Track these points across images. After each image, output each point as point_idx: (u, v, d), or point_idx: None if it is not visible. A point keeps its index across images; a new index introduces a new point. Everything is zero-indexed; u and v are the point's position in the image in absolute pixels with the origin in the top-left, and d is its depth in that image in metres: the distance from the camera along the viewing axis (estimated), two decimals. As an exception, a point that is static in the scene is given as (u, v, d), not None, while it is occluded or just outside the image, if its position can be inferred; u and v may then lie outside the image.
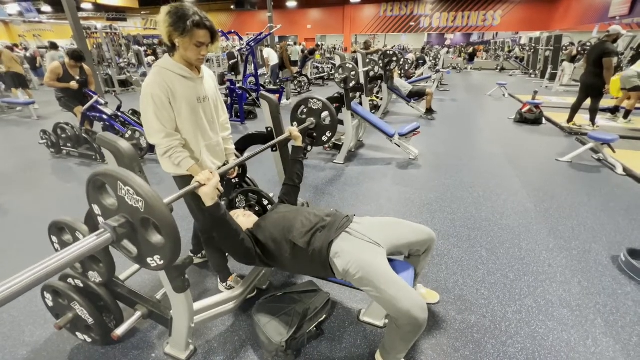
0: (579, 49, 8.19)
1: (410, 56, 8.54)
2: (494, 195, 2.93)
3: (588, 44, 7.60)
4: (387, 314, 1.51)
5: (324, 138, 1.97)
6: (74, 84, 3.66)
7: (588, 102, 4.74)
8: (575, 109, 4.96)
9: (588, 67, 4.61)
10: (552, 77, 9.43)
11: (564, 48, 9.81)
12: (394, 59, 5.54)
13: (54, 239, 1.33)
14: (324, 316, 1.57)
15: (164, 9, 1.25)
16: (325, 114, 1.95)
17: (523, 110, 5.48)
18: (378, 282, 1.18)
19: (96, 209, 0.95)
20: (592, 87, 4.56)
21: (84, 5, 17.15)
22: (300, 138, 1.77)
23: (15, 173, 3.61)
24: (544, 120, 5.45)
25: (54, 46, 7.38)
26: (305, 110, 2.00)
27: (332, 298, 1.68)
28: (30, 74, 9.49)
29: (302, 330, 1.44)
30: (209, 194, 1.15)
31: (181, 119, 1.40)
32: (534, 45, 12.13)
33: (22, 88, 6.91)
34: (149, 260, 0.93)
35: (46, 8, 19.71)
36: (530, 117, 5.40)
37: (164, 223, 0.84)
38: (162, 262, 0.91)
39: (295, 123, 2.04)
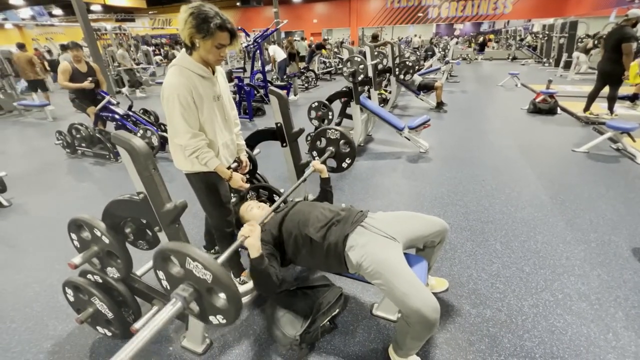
0: (595, 42, 7.91)
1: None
2: (508, 188, 2.87)
3: (603, 35, 7.32)
4: (401, 308, 1.51)
5: (344, 165, 2.07)
6: (87, 84, 3.72)
7: (606, 90, 4.58)
8: (592, 97, 4.80)
9: (606, 53, 4.44)
10: (567, 66, 9.13)
11: (580, 40, 9.48)
12: (409, 64, 5.46)
13: (73, 236, 1.36)
14: (337, 310, 1.57)
15: (186, 9, 1.23)
16: (342, 142, 2.03)
17: (537, 100, 5.33)
18: (390, 277, 1.17)
19: (160, 274, 1.04)
20: (611, 74, 4.40)
21: (93, 7, 17.41)
22: (325, 170, 1.79)
23: (34, 174, 3.72)
24: (558, 110, 5.29)
25: (65, 48, 7.53)
26: (324, 141, 2.09)
27: (344, 292, 1.69)
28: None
29: (316, 324, 1.45)
30: (254, 245, 1.19)
31: (203, 119, 1.40)
32: (547, 32, 11.75)
33: (41, 91, 7.09)
34: (211, 318, 1.01)
35: (57, 11, 20.09)
36: (545, 107, 5.25)
37: (231, 293, 0.93)
38: (224, 321, 0.99)
39: (315, 152, 2.11)
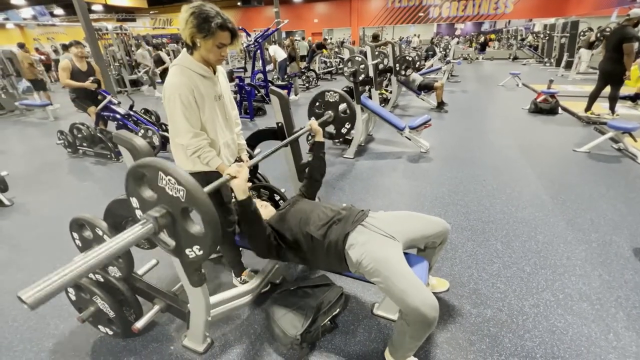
0: (598, 34, 7.85)
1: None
2: (508, 188, 2.87)
3: (607, 29, 7.27)
4: (401, 308, 1.51)
5: (344, 130, 1.96)
6: (89, 84, 3.73)
7: (607, 90, 4.57)
8: (593, 97, 4.79)
9: (607, 53, 4.43)
10: (568, 65, 9.12)
11: (582, 34, 9.43)
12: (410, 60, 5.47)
13: (75, 235, 1.37)
14: (338, 310, 1.58)
15: (187, 9, 1.23)
16: (343, 105, 1.94)
17: (538, 100, 5.33)
18: (389, 275, 1.17)
19: (134, 202, 0.96)
20: (612, 74, 4.39)
21: (94, 7, 17.44)
22: (321, 132, 1.76)
23: (35, 173, 3.73)
24: (560, 110, 5.28)
25: (67, 47, 7.55)
26: (322, 104, 1.99)
27: (345, 292, 1.69)
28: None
29: (317, 323, 1.45)
30: (241, 185, 1.19)
31: (204, 118, 1.41)
32: (548, 32, 11.72)
33: (42, 91, 7.12)
34: (187, 251, 0.93)
35: (58, 11, 20.11)
36: (546, 107, 5.24)
37: (206, 211, 0.84)
38: (201, 252, 0.90)
39: (312, 117, 2.04)
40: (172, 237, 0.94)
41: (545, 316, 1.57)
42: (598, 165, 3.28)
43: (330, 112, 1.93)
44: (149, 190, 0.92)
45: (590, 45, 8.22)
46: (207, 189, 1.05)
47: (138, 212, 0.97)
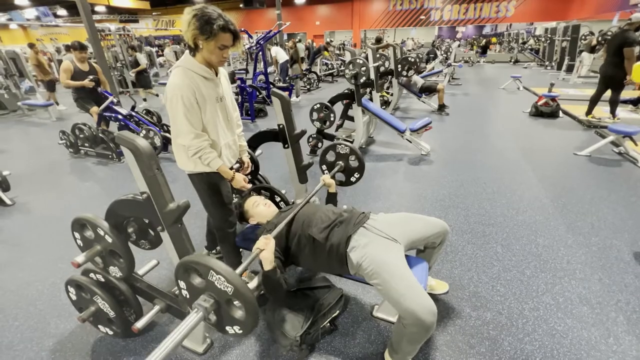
0: (599, 38, 7.87)
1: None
2: (509, 191, 2.87)
3: (609, 33, 7.28)
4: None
5: (352, 179, 2.10)
6: (87, 82, 3.75)
7: (608, 93, 4.57)
8: (594, 101, 4.80)
9: (608, 57, 4.44)
10: (569, 69, 9.12)
11: (583, 37, 9.45)
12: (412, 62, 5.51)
13: (76, 235, 1.38)
14: (338, 312, 1.58)
15: (190, 11, 1.24)
16: (352, 158, 2.07)
17: (539, 104, 5.33)
18: (387, 277, 1.18)
19: (181, 284, 1.05)
20: (612, 78, 4.39)
21: (97, 8, 17.54)
22: (334, 185, 1.81)
23: (37, 173, 3.74)
24: (561, 114, 5.29)
25: (70, 48, 7.56)
26: (333, 154, 2.13)
27: (345, 294, 1.69)
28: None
29: (316, 325, 1.45)
30: (268, 258, 1.21)
31: (206, 119, 1.42)
32: (549, 36, 11.75)
33: (49, 91, 7.14)
34: (227, 328, 1.02)
35: (62, 12, 20.24)
36: (547, 111, 5.24)
37: (250, 306, 0.95)
38: (241, 331, 1.00)
39: (324, 166, 2.15)
40: (216, 316, 1.03)
41: (545, 319, 1.57)
42: (599, 169, 3.28)
43: (340, 162, 2.08)
44: (198, 279, 1.01)
45: (592, 49, 8.23)
46: (239, 270, 1.12)
47: (184, 292, 1.06)
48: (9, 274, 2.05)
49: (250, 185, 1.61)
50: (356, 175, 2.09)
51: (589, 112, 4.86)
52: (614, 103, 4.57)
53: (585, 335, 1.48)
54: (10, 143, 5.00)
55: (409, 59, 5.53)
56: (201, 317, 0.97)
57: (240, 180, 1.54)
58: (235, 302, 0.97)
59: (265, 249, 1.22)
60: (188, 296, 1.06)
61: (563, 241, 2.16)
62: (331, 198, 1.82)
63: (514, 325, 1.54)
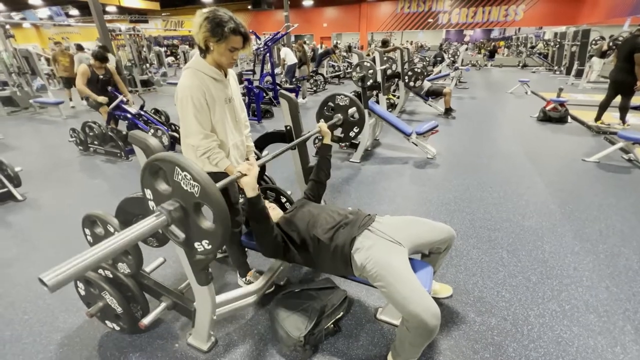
0: (610, 43, 7.77)
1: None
2: (515, 196, 2.85)
3: (620, 38, 7.20)
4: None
5: (352, 134, 1.98)
6: (102, 99, 3.84)
7: (618, 99, 4.52)
8: (603, 106, 4.74)
9: (618, 62, 4.39)
10: (579, 74, 9.03)
11: (594, 42, 9.34)
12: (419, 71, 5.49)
13: (87, 231, 1.40)
14: (341, 313, 1.58)
15: (201, 14, 1.27)
16: (352, 109, 1.96)
17: (547, 109, 5.29)
18: (392, 280, 1.18)
19: (148, 193, 0.99)
20: (623, 84, 4.34)
21: (108, 8, 17.82)
22: (329, 134, 1.79)
23: (48, 170, 3.81)
24: (569, 119, 5.23)
25: (80, 48, 7.66)
26: (332, 107, 2.02)
27: (349, 296, 1.69)
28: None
29: (320, 326, 1.46)
30: (250, 183, 1.22)
31: (215, 120, 1.44)
32: (559, 40, 11.64)
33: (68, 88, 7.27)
34: (196, 244, 0.95)
35: (74, 12, 20.59)
36: (555, 116, 5.19)
37: (218, 208, 0.87)
38: (210, 246, 0.93)
39: (322, 120, 2.05)
40: (183, 230, 0.96)
41: (550, 326, 1.56)
42: (607, 176, 3.24)
43: (339, 115, 1.96)
44: (164, 184, 0.95)
45: (603, 54, 8.14)
46: (219, 184, 1.07)
47: (151, 204, 1.00)
48: (18, 268, 2.09)
49: (257, 187, 1.62)
50: (355, 129, 1.98)
51: (598, 118, 4.81)
52: (624, 109, 4.52)
53: (592, 343, 1.47)
54: (22, 140, 5.10)
55: (416, 69, 5.52)
56: (163, 221, 0.89)
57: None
58: (203, 207, 0.89)
59: (248, 174, 1.20)
60: (154, 207, 0.97)
61: (570, 248, 2.14)
62: (324, 150, 1.76)
63: (519, 332, 1.53)
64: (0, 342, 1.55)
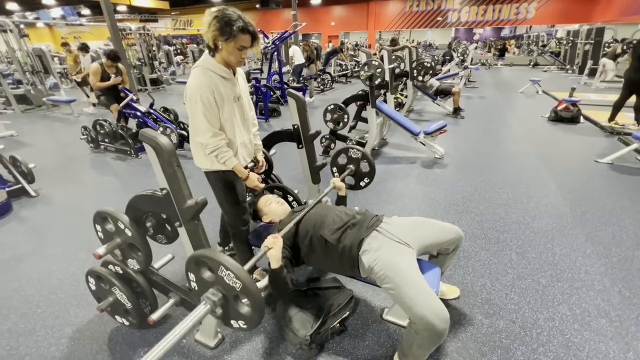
0: (624, 47, 7.59)
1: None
2: (525, 197, 2.81)
3: (633, 40, 7.01)
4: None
5: (362, 184, 2.11)
6: (115, 80, 3.95)
7: (632, 99, 4.41)
8: (617, 106, 4.63)
9: (633, 62, 4.28)
10: (592, 73, 8.83)
11: (607, 45, 9.12)
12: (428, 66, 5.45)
13: (98, 227, 1.43)
14: (347, 313, 1.58)
15: (210, 13, 1.28)
16: (364, 163, 2.08)
17: (558, 108, 5.18)
18: (400, 282, 1.17)
19: (191, 276, 1.08)
20: (637, 84, 4.23)
21: (119, 8, 18.06)
22: (343, 188, 1.83)
23: (60, 166, 3.89)
24: (581, 119, 5.13)
25: (85, 49, 7.72)
26: (345, 158, 2.14)
27: (355, 295, 1.69)
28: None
29: (326, 325, 1.46)
30: (275, 256, 1.24)
31: (223, 118, 1.45)
32: (572, 38, 11.40)
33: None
34: (232, 322, 1.05)
35: (85, 11, 20.94)
36: (567, 116, 5.09)
37: (256, 303, 0.97)
38: (245, 326, 1.03)
39: (334, 168, 2.17)
40: (223, 310, 1.05)
41: (560, 330, 1.53)
42: (621, 177, 3.16)
43: (351, 166, 2.09)
44: (208, 273, 1.04)
45: (616, 58, 7.97)
46: (247, 266, 1.16)
47: (193, 284, 1.09)
48: (31, 262, 2.14)
49: (263, 185, 1.63)
50: (366, 180, 2.11)
51: (611, 118, 4.70)
52: (638, 109, 4.40)
53: (603, 348, 1.44)
54: (35, 137, 5.21)
55: (425, 64, 5.47)
56: (209, 310, 0.99)
57: (254, 180, 1.57)
58: (243, 299, 0.99)
59: (273, 247, 1.24)
60: (197, 288, 1.08)
61: (581, 250, 2.10)
62: (341, 201, 1.83)
63: (528, 335, 1.51)
64: (15, 334, 1.60)
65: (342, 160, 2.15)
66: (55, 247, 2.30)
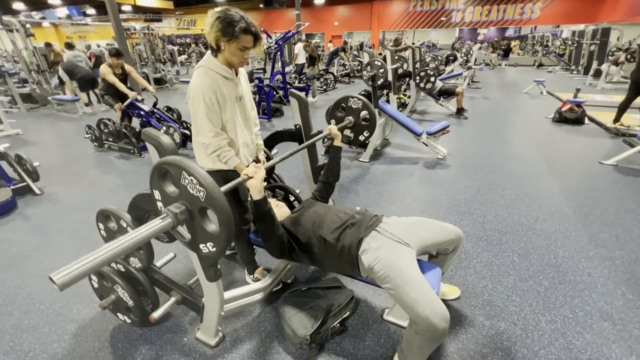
0: (627, 56, 7.51)
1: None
2: (528, 199, 2.79)
3: (636, 45, 6.95)
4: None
5: (361, 137, 1.98)
6: (133, 94, 4.03)
7: (638, 100, 4.36)
8: (623, 108, 4.59)
9: (639, 62, 4.23)
10: (597, 74, 8.75)
11: (610, 54, 9.03)
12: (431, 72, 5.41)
13: (101, 225, 1.44)
14: (348, 313, 1.58)
15: (213, 14, 1.28)
16: (364, 112, 1.95)
17: (563, 109, 5.15)
18: (400, 282, 1.17)
19: (157, 194, 1.02)
20: (644, 85, 4.19)
21: (124, 8, 18.17)
22: (339, 136, 1.79)
23: (64, 165, 3.92)
24: (586, 120, 5.08)
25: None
26: (344, 108, 2.01)
27: (356, 295, 1.69)
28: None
29: (326, 325, 1.46)
30: (257, 186, 1.23)
31: (225, 118, 1.46)
32: (577, 39, 11.31)
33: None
34: (201, 246, 0.98)
35: (90, 11, 21.10)
36: (571, 117, 5.05)
37: (223, 213, 0.89)
38: (214, 249, 0.96)
39: (333, 121, 2.05)
40: (189, 231, 0.99)
41: (562, 333, 1.52)
42: (626, 180, 3.13)
43: (350, 117, 1.95)
44: (172, 186, 0.98)
45: (618, 64, 7.91)
46: (224, 188, 1.10)
47: (159, 204, 1.03)
48: (36, 260, 2.16)
49: (265, 184, 1.63)
50: (366, 133, 1.97)
51: (617, 120, 4.66)
52: (645, 111, 4.36)
53: (606, 351, 1.43)
54: (40, 135, 5.26)
55: (428, 71, 5.43)
56: (169, 223, 0.92)
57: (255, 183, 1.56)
58: (208, 212, 0.91)
59: (254, 177, 1.22)
60: (162, 207, 1.00)
61: (584, 253, 2.08)
62: (334, 151, 1.75)
63: (529, 337, 1.50)
64: (19, 330, 1.61)
65: (340, 113, 2.00)
66: (59, 245, 2.32)
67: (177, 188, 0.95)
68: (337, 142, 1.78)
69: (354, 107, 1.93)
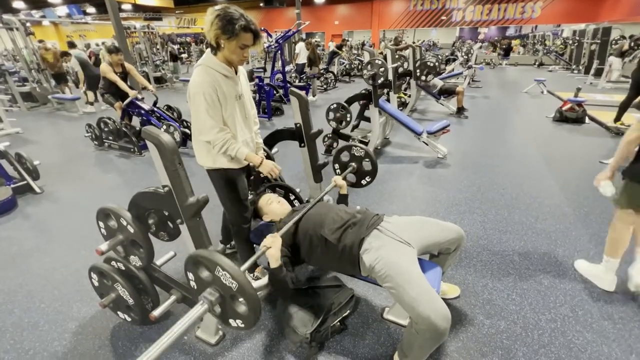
0: (631, 43, 7.47)
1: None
2: (529, 198, 2.79)
3: None
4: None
5: (363, 182, 2.11)
6: (134, 93, 4.02)
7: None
8: (624, 107, 4.58)
9: (641, 61, 4.23)
10: (598, 73, 8.74)
11: (614, 42, 9.00)
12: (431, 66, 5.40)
13: (101, 224, 1.44)
14: (348, 311, 1.58)
15: (213, 12, 1.28)
16: (366, 161, 2.07)
17: (563, 109, 5.14)
18: (401, 282, 1.17)
19: (190, 275, 1.10)
20: (645, 84, 4.18)
21: (124, 6, 18.14)
22: (345, 186, 1.81)
23: (64, 164, 3.93)
24: (587, 120, 5.08)
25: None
26: (348, 155, 2.14)
27: (356, 294, 1.69)
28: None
29: (327, 323, 1.47)
30: (275, 255, 1.24)
31: (225, 116, 1.46)
32: (577, 38, 11.29)
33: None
34: (231, 321, 1.06)
35: (91, 9, 21.06)
36: (572, 116, 5.05)
37: (252, 303, 0.99)
38: (243, 325, 1.04)
39: (337, 165, 2.17)
40: (221, 309, 1.07)
41: (562, 332, 1.52)
42: (626, 179, 3.13)
43: (353, 164, 2.09)
44: (206, 272, 1.05)
45: (622, 54, 7.85)
46: (244, 267, 1.16)
47: (192, 284, 1.11)
48: (36, 258, 2.16)
49: (279, 169, 1.62)
50: (367, 178, 2.10)
51: (617, 119, 4.65)
52: (645, 110, 4.35)
53: (606, 350, 1.43)
54: (40, 134, 5.26)
55: (428, 63, 5.42)
56: (206, 309, 1.00)
57: (269, 165, 1.56)
58: (239, 298, 1.00)
59: (272, 246, 1.24)
60: (195, 287, 1.10)
61: (585, 252, 2.08)
62: (342, 199, 1.82)
63: (529, 336, 1.50)
64: (19, 328, 1.62)
65: (344, 157, 2.14)
66: (59, 243, 2.32)
67: (211, 274, 1.02)
68: (344, 192, 1.82)
69: (356, 155, 2.09)
